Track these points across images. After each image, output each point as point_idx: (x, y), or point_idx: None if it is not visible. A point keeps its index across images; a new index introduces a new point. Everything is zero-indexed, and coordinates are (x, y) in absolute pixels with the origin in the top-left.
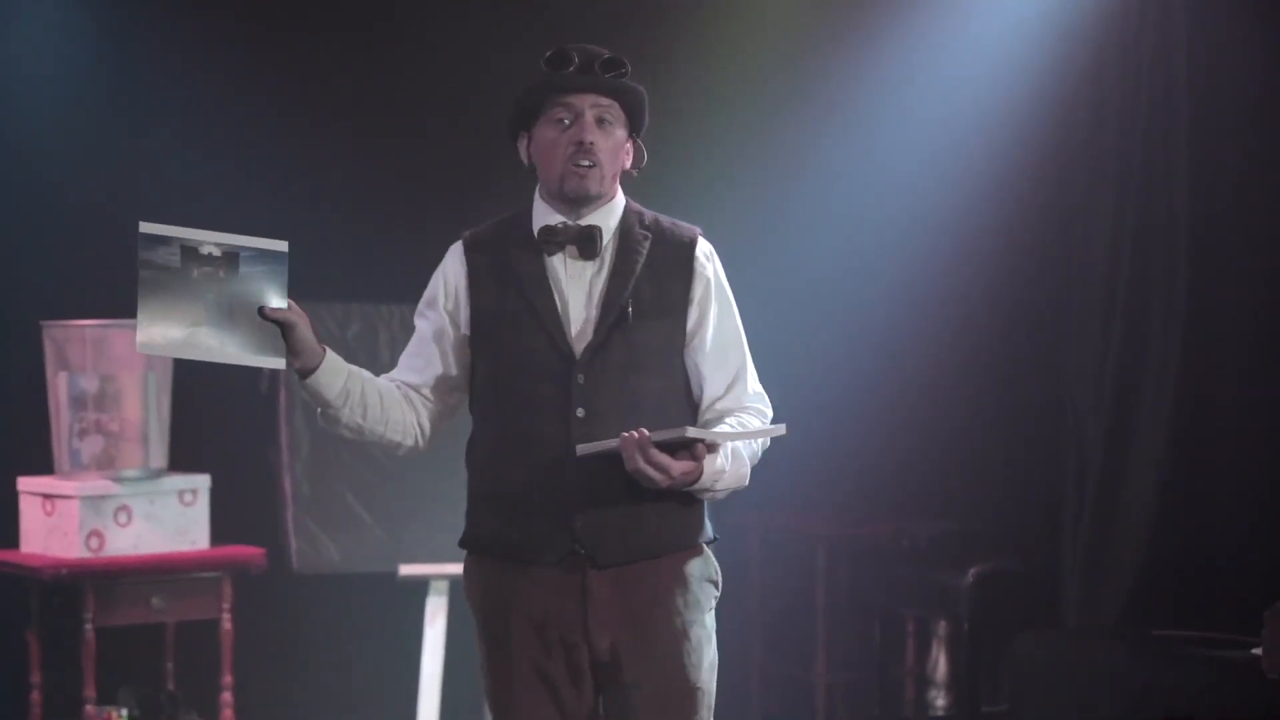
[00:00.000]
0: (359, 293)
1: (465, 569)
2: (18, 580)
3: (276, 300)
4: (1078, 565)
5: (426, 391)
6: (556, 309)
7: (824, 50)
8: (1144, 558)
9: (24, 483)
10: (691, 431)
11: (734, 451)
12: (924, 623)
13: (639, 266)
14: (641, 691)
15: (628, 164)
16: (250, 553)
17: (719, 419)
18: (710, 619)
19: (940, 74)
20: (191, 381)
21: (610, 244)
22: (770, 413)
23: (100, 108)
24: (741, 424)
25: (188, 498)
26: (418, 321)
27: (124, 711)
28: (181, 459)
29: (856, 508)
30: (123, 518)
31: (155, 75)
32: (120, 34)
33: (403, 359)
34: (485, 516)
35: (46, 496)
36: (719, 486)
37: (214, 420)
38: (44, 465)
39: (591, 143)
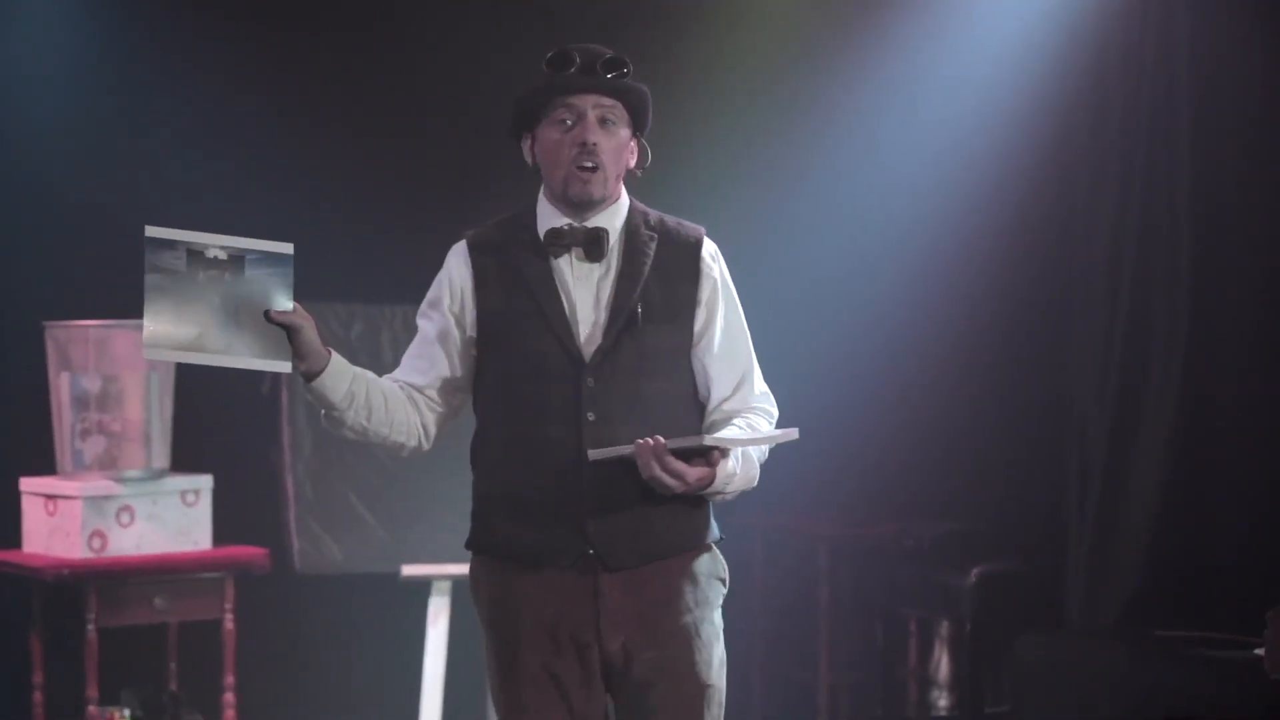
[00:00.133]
0: (361, 293)
1: (472, 570)
2: (20, 581)
3: (282, 303)
4: (1080, 566)
5: (431, 393)
6: (564, 312)
7: (827, 51)
8: (1146, 558)
9: (26, 483)
10: (709, 439)
11: (744, 454)
12: (927, 623)
13: (646, 268)
14: (654, 691)
15: (632, 163)
16: (253, 553)
17: (726, 420)
18: (719, 616)
19: (942, 74)
20: (194, 382)
21: (616, 245)
22: (776, 413)
23: (102, 108)
24: (750, 425)
25: (190, 498)
26: (421, 322)
27: (126, 712)
28: (184, 459)
29: (859, 508)
30: (125, 518)
31: (157, 76)
32: (122, 34)
33: (406, 359)
34: (494, 519)
35: (49, 497)
36: (730, 489)
37: (216, 420)
38: (46, 466)
39: (594, 143)
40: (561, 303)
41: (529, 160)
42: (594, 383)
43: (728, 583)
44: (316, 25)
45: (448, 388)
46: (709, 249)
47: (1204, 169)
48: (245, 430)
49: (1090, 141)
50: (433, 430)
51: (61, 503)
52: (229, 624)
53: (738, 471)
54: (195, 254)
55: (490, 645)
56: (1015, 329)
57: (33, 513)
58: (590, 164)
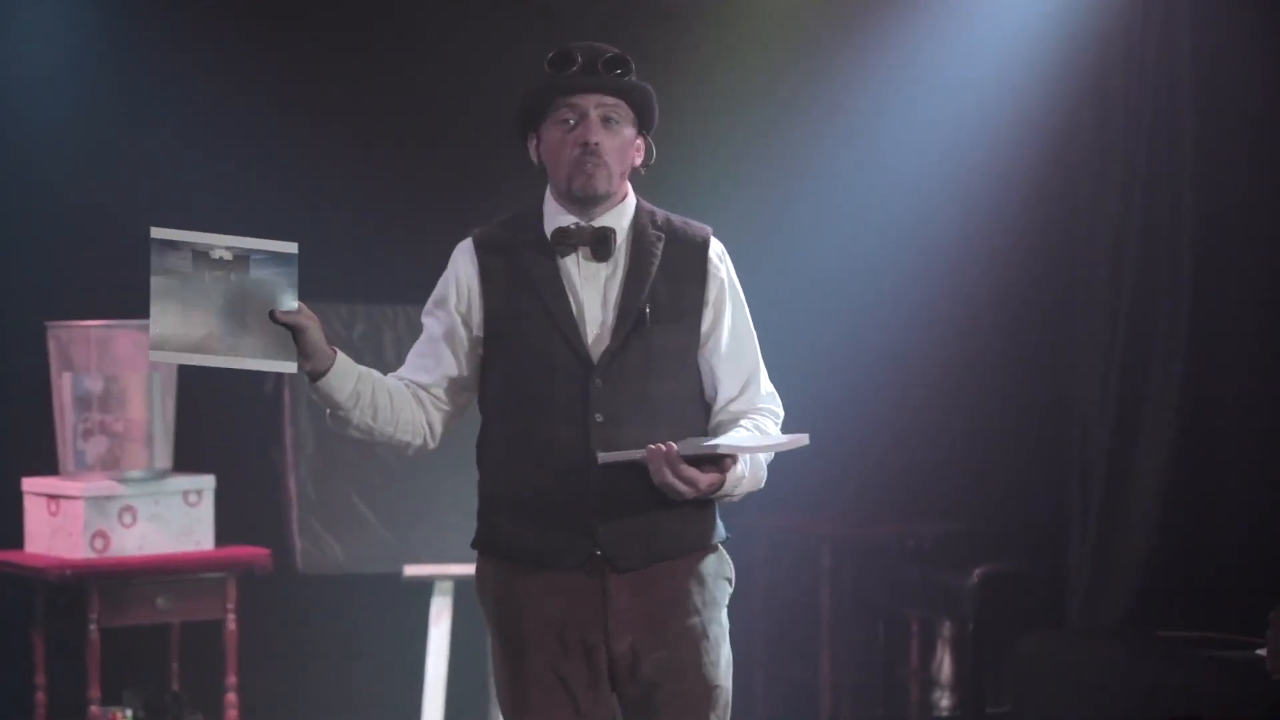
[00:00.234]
0: (364, 293)
1: (478, 570)
2: (22, 581)
3: (287, 303)
4: (1082, 566)
5: (436, 391)
6: (572, 312)
7: (828, 51)
8: (1148, 559)
9: (29, 483)
10: (723, 447)
11: (752, 457)
12: (929, 624)
13: (654, 268)
14: (661, 690)
15: (638, 161)
16: (255, 553)
17: (733, 420)
18: (725, 616)
19: (944, 75)
20: (196, 382)
21: (624, 245)
22: (782, 413)
23: (104, 108)
24: (757, 426)
25: (193, 498)
26: (426, 320)
27: (129, 712)
28: (186, 459)
29: (861, 509)
30: (127, 518)
31: (159, 76)
32: (125, 34)
33: (411, 358)
34: (501, 519)
35: (51, 497)
36: (738, 491)
37: (219, 420)
38: (48, 466)
39: (597, 143)
40: (569, 303)
41: (534, 159)
42: (602, 383)
43: (734, 581)
44: (318, 25)
45: (454, 386)
46: (716, 249)
47: (1206, 169)
48: (247, 430)
49: (1092, 142)
50: (439, 429)
51: (64, 503)
52: (231, 624)
53: (746, 474)
54: (200, 254)
55: (496, 645)
56: (1017, 329)
57: (35, 513)
58: (593, 163)
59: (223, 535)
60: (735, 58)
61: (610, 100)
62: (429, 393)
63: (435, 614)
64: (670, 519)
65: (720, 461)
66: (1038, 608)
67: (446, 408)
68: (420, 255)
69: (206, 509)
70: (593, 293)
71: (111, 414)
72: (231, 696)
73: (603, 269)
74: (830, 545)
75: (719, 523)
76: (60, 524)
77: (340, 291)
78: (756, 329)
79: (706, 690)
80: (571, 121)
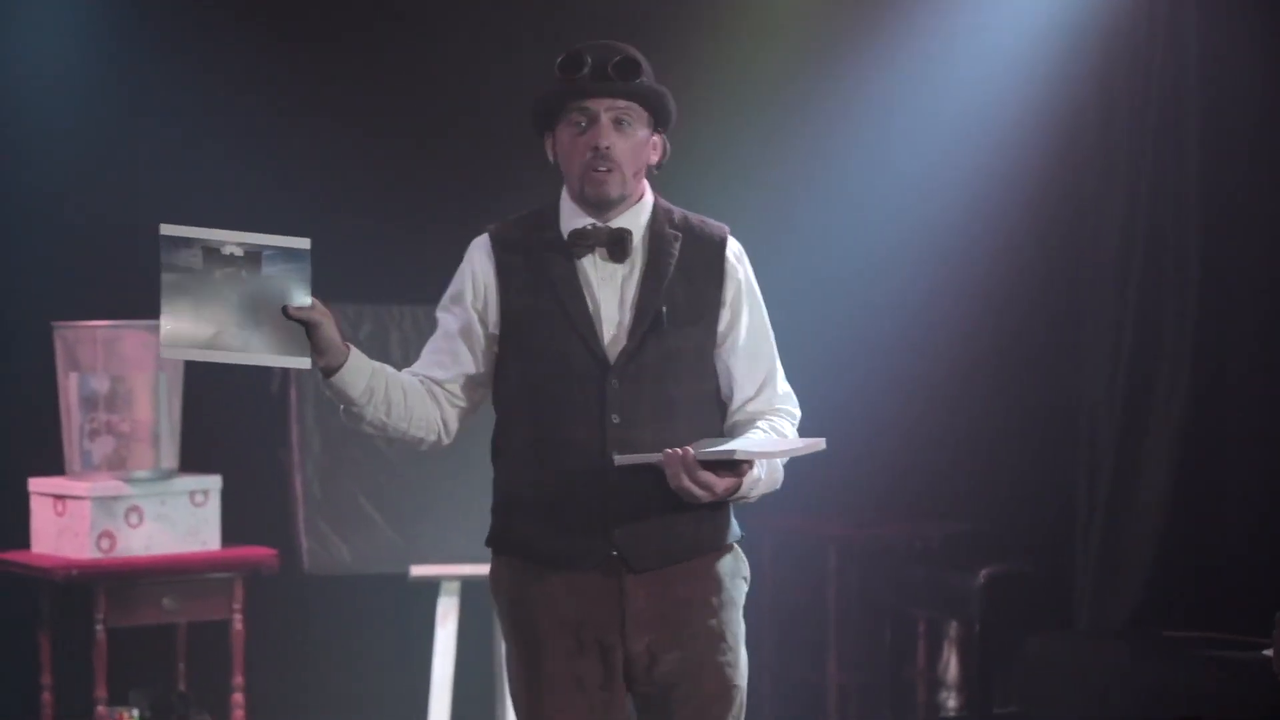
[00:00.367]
0: (370, 294)
1: (493, 569)
2: (29, 581)
3: (300, 298)
4: (1089, 567)
5: (452, 387)
6: (589, 313)
7: (837, 51)
8: (1155, 559)
9: (35, 483)
10: (739, 453)
11: (769, 459)
12: (935, 624)
13: (671, 269)
14: (678, 691)
15: (654, 160)
16: (262, 553)
17: (750, 420)
18: (741, 616)
19: (950, 76)
20: (203, 382)
21: (641, 245)
22: (799, 414)
23: (110, 109)
24: (774, 427)
25: (199, 498)
26: (442, 316)
27: (135, 712)
28: (193, 459)
29: (868, 509)
30: (134, 518)
31: (165, 76)
32: (131, 34)
33: (426, 354)
34: (516, 519)
35: (57, 497)
36: (754, 494)
37: (225, 421)
38: (55, 466)
39: (608, 147)
40: (586, 304)
41: (551, 159)
42: (618, 384)
43: (749, 580)
44: (323, 26)
45: (469, 383)
46: (734, 248)
47: (1211, 170)
48: (254, 430)
49: (1098, 143)
50: (453, 425)
51: (70, 503)
52: (238, 624)
53: (762, 476)
54: (211, 251)
55: (512, 646)
56: (1024, 330)
57: (41, 513)
58: (605, 167)
59: (229, 535)
60: (744, 58)
61: (622, 103)
62: (444, 389)
63: (442, 614)
64: (686, 520)
65: (737, 466)
66: (1044, 608)
67: (462, 404)
68: (427, 255)
69: (213, 509)
70: (610, 293)
71: (118, 414)
72: (238, 697)
73: (620, 269)
74: (837, 546)
75: (734, 522)
76: (66, 524)
77: (347, 291)
78: None
79: (723, 691)
80: (583, 125)
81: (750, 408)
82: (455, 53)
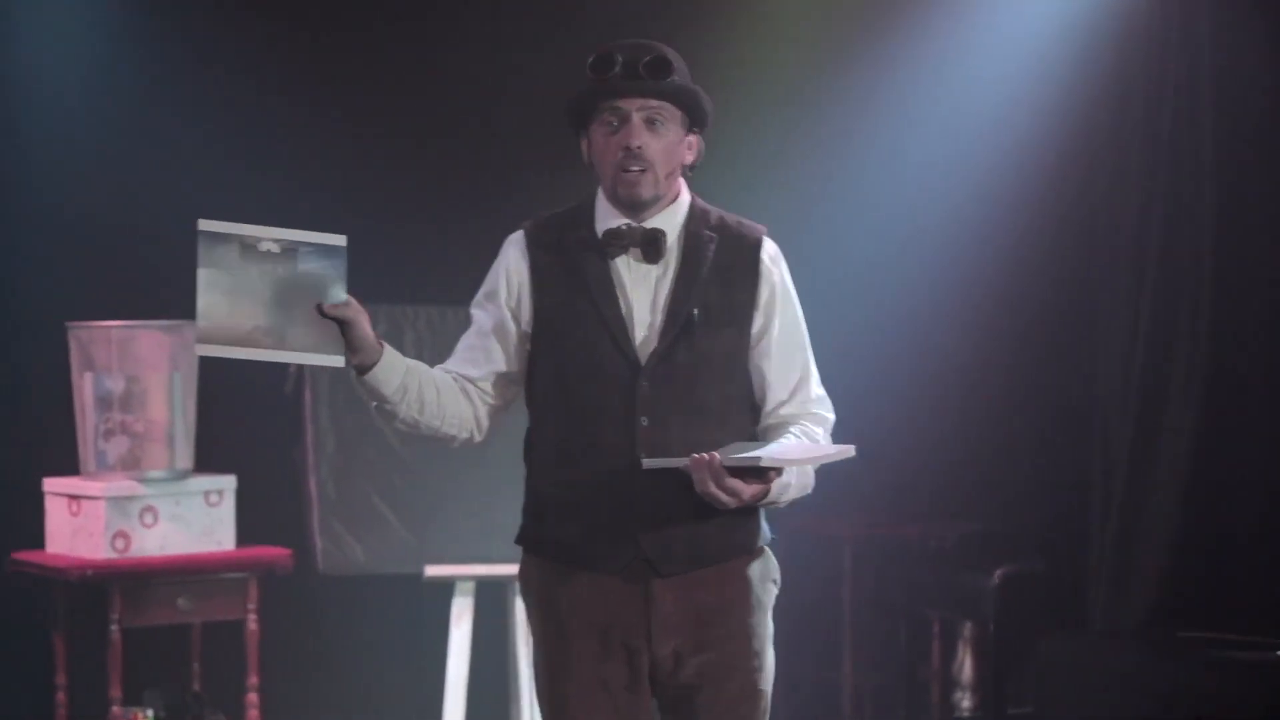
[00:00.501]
0: (384, 293)
1: (522, 568)
2: (43, 581)
3: (336, 296)
4: (1103, 567)
5: (484, 385)
6: (621, 314)
7: (853, 51)
8: (1169, 560)
9: (50, 483)
10: (765, 460)
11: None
12: (950, 624)
13: (704, 270)
14: (703, 694)
15: (689, 160)
16: (276, 553)
17: (782, 425)
18: (770, 619)
19: (966, 76)
20: (217, 382)
21: (675, 246)
22: (832, 417)
23: (124, 108)
24: (806, 432)
25: (214, 498)
26: (476, 313)
27: (150, 712)
28: (207, 460)
29: (882, 509)
30: (148, 518)
31: (180, 75)
32: (143, 34)
33: (460, 350)
34: (546, 519)
35: (72, 497)
36: (784, 499)
37: (240, 421)
38: (69, 466)
39: (639, 146)
40: (619, 304)
41: (586, 159)
42: (648, 386)
43: (779, 583)
44: (339, 25)
45: (502, 381)
46: (769, 250)
47: (1225, 170)
48: (268, 430)
49: (1112, 143)
50: (485, 422)
51: (85, 503)
52: (252, 624)
53: (792, 482)
54: (248, 247)
55: (539, 645)
56: (1038, 330)
57: (56, 513)
58: (637, 167)
59: (244, 535)
60: (759, 58)
61: (654, 103)
62: (477, 386)
63: (456, 614)
64: (715, 524)
65: (764, 473)
66: (1059, 608)
67: (494, 401)
68: (442, 254)
69: (227, 509)
70: (643, 294)
71: (132, 414)
72: (252, 697)
73: (653, 270)
74: (851, 546)
75: (764, 526)
76: (81, 524)
77: (360, 291)
78: None
79: (748, 695)
80: (614, 124)
81: (783, 411)
82: (469, 53)
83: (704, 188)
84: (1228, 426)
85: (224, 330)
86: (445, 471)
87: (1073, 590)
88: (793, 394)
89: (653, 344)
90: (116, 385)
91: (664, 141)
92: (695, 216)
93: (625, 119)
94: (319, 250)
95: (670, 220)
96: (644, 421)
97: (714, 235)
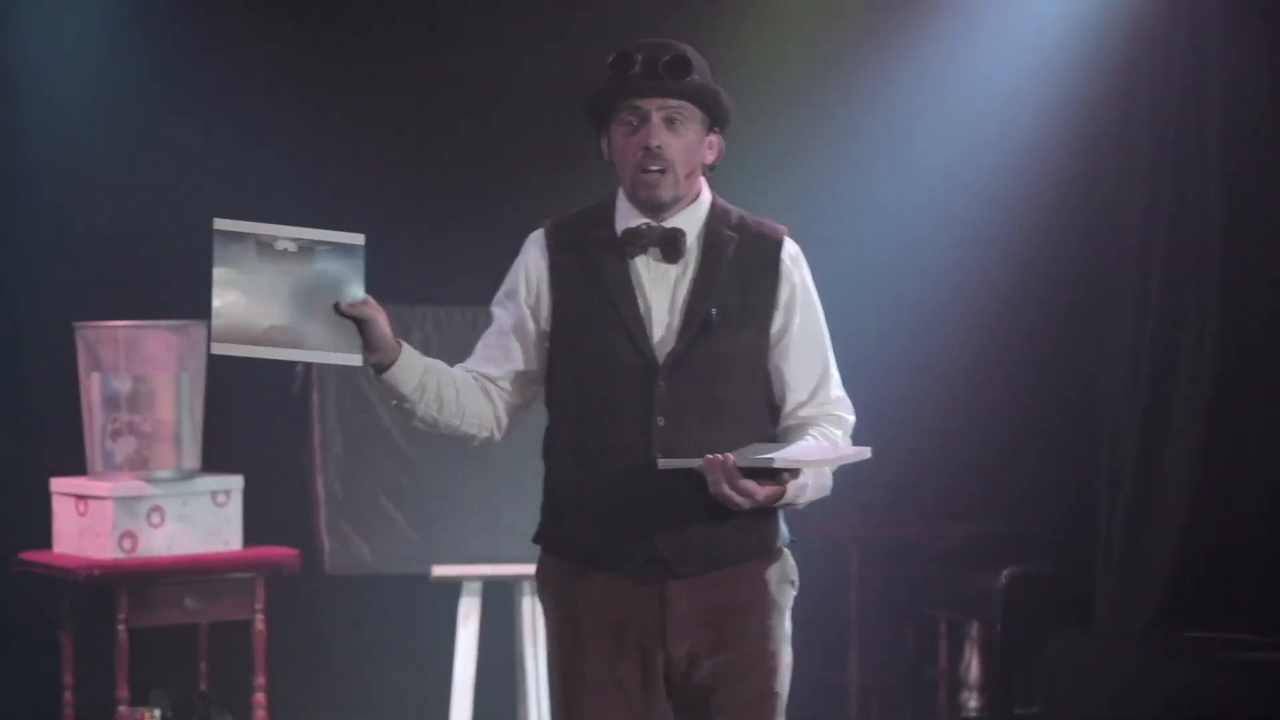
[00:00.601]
0: (389, 294)
1: (539, 566)
2: (51, 581)
3: (354, 294)
4: (1110, 567)
5: (504, 384)
6: (640, 313)
7: (860, 52)
8: (1176, 560)
9: (57, 483)
10: (778, 461)
11: None
12: (957, 625)
13: (723, 270)
14: (717, 695)
15: (710, 159)
16: (283, 553)
17: (801, 426)
18: (788, 621)
19: (974, 76)
20: (225, 382)
21: (695, 245)
22: (852, 419)
23: (132, 108)
24: (825, 434)
25: (221, 498)
26: (496, 311)
27: (157, 712)
28: (214, 460)
29: (889, 510)
30: (156, 518)
31: (185, 75)
32: (150, 34)
33: (480, 349)
34: (563, 518)
35: (79, 497)
36: (801, 500)
37: (247, 421)
38: (77, 466)
39: (659, 146)
40: (637, 304)
41: (606, 158)
42: (666, 386)
43: (797, 584)
44: (345, 24)
45: (521, 379)
46: (790, 250)
47: (1232, 170)
48: (275, 430)
49: (1119, 143)
50: (505, 421)
51: (92, 503)
52: (259, 624)
53: (809, 484)
54: (264, 246)
55: (553, 643)
56: (1044, 330)
57: (63, 513)
58: (656, 167)
59: (251, 535)
60: (767, 59)
61: (674, 102)
62: (497, 385)
63: (463, 614)
64: (731, 525)
65: (777, 474)
66: (1066, 609)
67: (514, 400)
68: (446, 255)
69: (234, 509)
70: (661, 294)
71: (140, 414)
72: (259, 697)
73: (672, 270)
74: (858, 546)
75: (783, 527)
76: (88, 524)
77: (367, 291)
78: None
79: (762, 697)
80: (634, 124)
81: (802, 413)
82: (471, 54)
83: (713, 186)
84: (1235, 427)
85: (240, 329)
86: (452, 472)
87: (1080, 590)
88: (812, 395)
89: (670, 344)
90: (124, 385)
91: (683, 141)
92: (716, 216)
93: (645, 119)
94: (336, 249)
95: (690, 220)
96: (661, 421)
97: (734, 235)
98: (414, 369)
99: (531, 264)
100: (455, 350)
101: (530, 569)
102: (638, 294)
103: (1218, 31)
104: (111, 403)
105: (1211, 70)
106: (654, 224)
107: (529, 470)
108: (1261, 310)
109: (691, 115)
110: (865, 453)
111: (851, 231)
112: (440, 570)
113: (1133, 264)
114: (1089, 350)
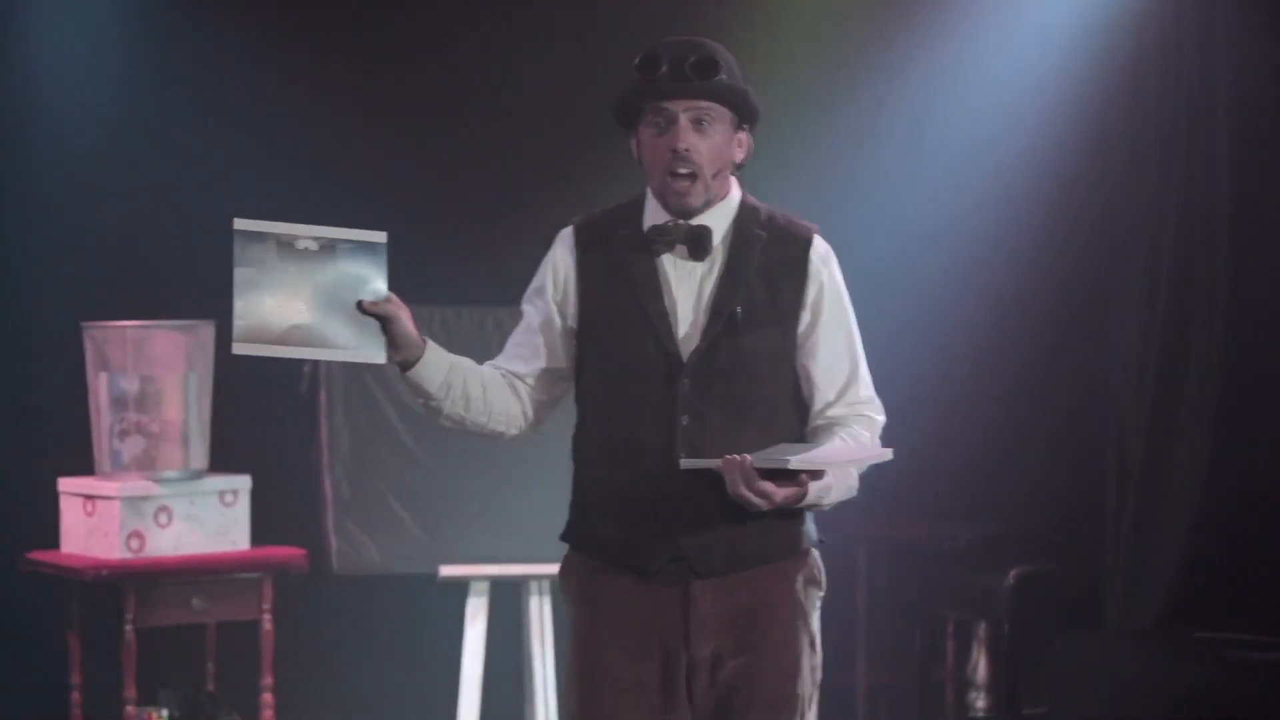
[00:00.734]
0: (398, 294)
1: (564, 563)
2: (58, 581)
3: (376, 292)
4: (1118, 567)
5: (532, 381)
6: (665, 311)
7: (870, 50)
8: (1184, 560)
9: (65, 483)
10: (794, 462)
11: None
12: (964, 625)
13: (751, 269)
14: (739, 696)
15: (739, 158)
16: (290, 553)
17: (829, 427)
18: (815, 622)
19: (982, 74)
20: (232, 382)
21: (723, 244)
22: (882, 419)
23: (141, 108)
24: (852, 435)
25: (228, 498)
26: (525, 308)
27: (164, 712)
28: (222, 459)
29: (897, 510)
30: (163, 518)
31: (193, 75)
32: (158, 33)
33: (510, 345)
34: (589, 516)
35: (87, 497)
36: (826, 501)
37: (255, 421)
38: (84, 466)
39: (686, 149)
40: (663, 302)
41: (635, 157)
42: (690, 384)
43: (824, 585)
44: (346, 21)
45: (550, 376)
46: (819, 249)
47: (1240, 168)
48: (283, 430)
49: (1126, 142)
50: (534, 418)
51: (100, 503)
52: (267, 624)
53: (833, 484)
54: (285, 245)
55: (574, 640)
56: (1052, 330)
57: (71, 513)
58: (684, 170)
59: (258, 535)
60: (777, 57)
61: (701, 103)
62: (525, 382)
63: (471, 614)
64: (755, 526)
65: (796, 475)
66: (1073, 609)
67: (542, 397)
68: (453, 255)
69: (242, 509)
70: (687, 292)
71: (147, 414)
72: (267, 697)
73: (699, 268)
74: (866, 546)
75: (810, 527)
76: (96, 524)
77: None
78: None
79: (784, 700)
80: (661, 125)
81: (830, 413)
82: (481, 52)
83: None
84: (1243, 427)
85: (262, 329)
86: (460, 471)
87: (1087, 590)
88: (840, 395)
89: (695, 341)
90: (131, 385)
91: (711, 142)
92: (745, 214)
93: (672, 120)
94: (358, 247)
95: (718, 218)
96: (685, 420)
97: (763, 233)
98: (439, 366)
99: (559, 261)
100: (462, 350)
101: (538, 569)
102: (663, 291)
103: (1225, 31)
104: (119, 403)
105: (1219, 70)
106: (681, 221)
107: (537, 470)
108: (1269, 310)
109: (720, 115)
110: (887, 454)
111: (857, 231)
112: (448, 570)
113: (1141, 264)
114: (1097, 350)
